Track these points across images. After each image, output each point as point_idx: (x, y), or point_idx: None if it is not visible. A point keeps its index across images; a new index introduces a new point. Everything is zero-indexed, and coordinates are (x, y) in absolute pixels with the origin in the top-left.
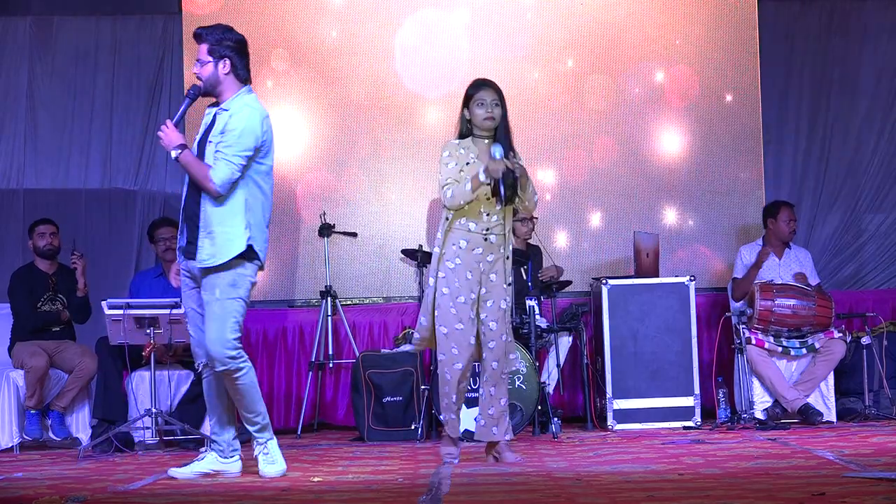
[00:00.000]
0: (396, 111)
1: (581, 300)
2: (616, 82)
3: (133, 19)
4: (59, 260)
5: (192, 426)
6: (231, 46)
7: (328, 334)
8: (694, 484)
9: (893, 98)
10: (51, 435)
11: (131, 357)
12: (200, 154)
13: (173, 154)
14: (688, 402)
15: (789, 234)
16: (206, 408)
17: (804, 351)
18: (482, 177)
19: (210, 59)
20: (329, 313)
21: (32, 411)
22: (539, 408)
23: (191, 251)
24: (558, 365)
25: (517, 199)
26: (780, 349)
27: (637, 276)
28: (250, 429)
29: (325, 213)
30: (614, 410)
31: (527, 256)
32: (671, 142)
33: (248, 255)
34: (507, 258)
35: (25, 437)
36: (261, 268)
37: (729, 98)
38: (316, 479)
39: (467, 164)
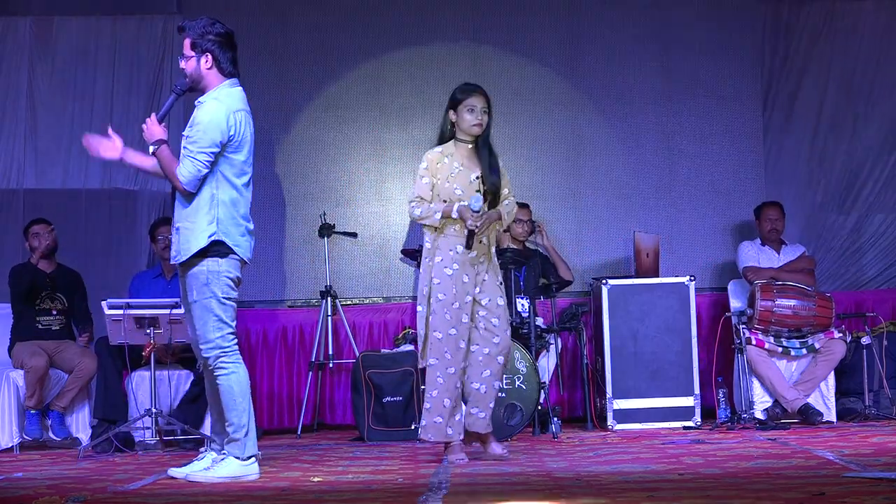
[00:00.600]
0: (397, 111)
1: (581, 300)
2: (615, 82)
3: (133, 19)
4: (57, 259)
5: (192, 426)
6: (213, 40)
7: (328, 334)
8: (694, 484)
9: (893, 98)
10: (51, 435)
11: (131, 357)
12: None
13: (151, 149)
14: (688, 402)
15: (768, 232)
16: (205, 408)
17: (804, 351)
18: (454, 215)
19: (193, 53)
20: (329, 313)
21: (32, 411)
22: (539, 408)
23: (172, 250)
24: (556, 363)
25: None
26: (780, 349)
27: (637, 276)
28: (225, 435)
29: (325, 213)
30: (614, 410)
31: (525, 257)
32: (671, 141)
33: (219, 250)
34: (493, 256)
35: (25, 437)
36: (243, 263)
37: (729, 98)
38: (316, 479)
39: (452, 174)
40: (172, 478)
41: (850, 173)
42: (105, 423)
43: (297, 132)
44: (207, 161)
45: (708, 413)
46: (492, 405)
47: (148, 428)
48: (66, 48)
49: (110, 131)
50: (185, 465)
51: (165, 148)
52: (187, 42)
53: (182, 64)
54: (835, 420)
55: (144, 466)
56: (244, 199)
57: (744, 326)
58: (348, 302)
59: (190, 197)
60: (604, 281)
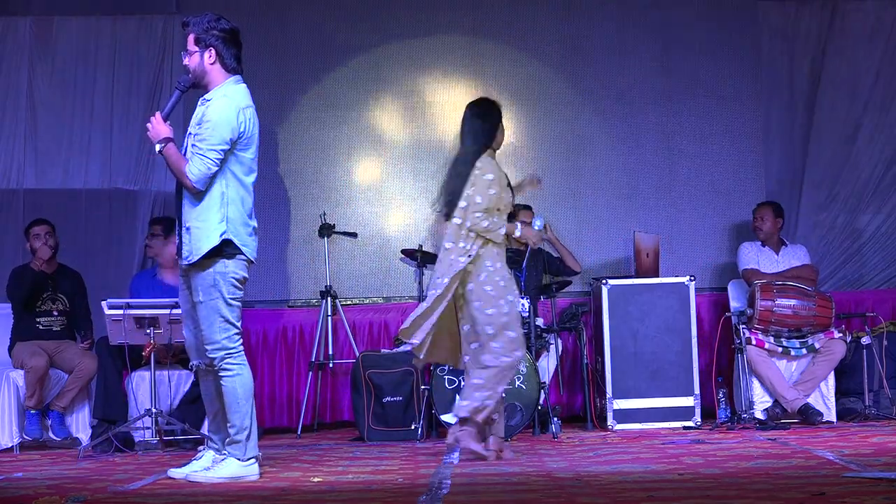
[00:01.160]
0: (397, 111)
1: (581, 300)
2: (615, 82)
3: (133, 19)
4: (58, 260)
5: (192, 426)
6: (217, 35)
7: (328, 334)
8: (694, 484)
9: (893, 98)
10: (51, 435)
11: (131, 357)
12: (186, 147)
13: (157, 147)
14: (688, 402)
15: (760, 231)
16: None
17: (804, 351)
18: (517, 234)
19: (196, 48)
20: (329, 313)
21: (32, 411)
22: (539, 408)
23: (178, 249)
24: (557, 364)
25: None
26: (780, 349)
27: (637, 276)
28: (222, 434)
29: (325, 213)
30: (614, 410)
31: (523, 256)
32: (671, 141)
33: (227, 251)
34: None
35: (25, 437)
36: (250, 262)
37: (729, 98)
38: (316, 480)
39: (503, 186)
40: (172, 478)
41: (850, 173)
42: (105, 423)
43: (298, 132)
44: (218, 159)
45: (708, 413)
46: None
47: (148, 428)
48: (66, 48)
49: (158, 116)
50: (184, 465)
51: (172, 146)
52: (191, 37)
53: (185, 60)
54: (835, 420)
55: (144, 466)
56: (252, 197)
57: (744, 326)
58: (348, 302)
59: (199, 195)
60: (604, 281)
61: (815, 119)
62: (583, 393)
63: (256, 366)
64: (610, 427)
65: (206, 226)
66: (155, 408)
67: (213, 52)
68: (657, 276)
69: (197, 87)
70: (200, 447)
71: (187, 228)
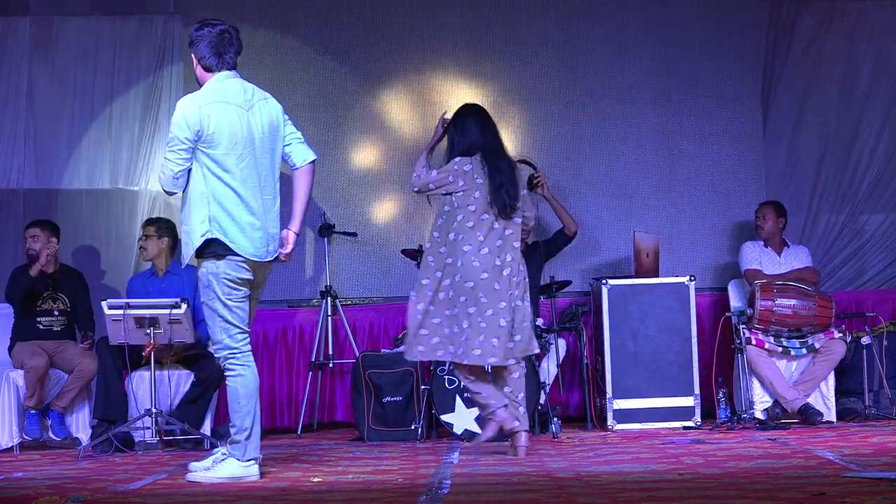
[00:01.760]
0: (397, 111)
1: (581, 300)
2: (615, 82)
3: (133, 19)
4: (60, 260)
5: (192, 426)
6: (196, 40)
7: (328, 334)
8: (694, 484)
9: (893, 98)
10: (51, 435)
11: (131, 357)
12: None
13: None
14: (688, 402)
15: (762, 230)
16: (205, 408)
17: (804, 351)
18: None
19: (193, 57)
20: (329, 313)
21: (32, 411)
22: (539, 408)
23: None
24: (558, 364)
25: None
26: (780, 349)
27: (637, 276)
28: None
29: (325, 213)
30: (614, 410)
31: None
32: (671, 141)
33: (215, 250)
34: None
35: (25, 437)
36: (248, 259)
37: (729, 98)
38: (316, 480)
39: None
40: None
41: (850, 173)
42: (105, 423)
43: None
44: (178, 158)
45: (708, 413)
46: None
47: (148, 428)
48: (66, 48)
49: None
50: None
51: None
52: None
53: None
54: (835, 420)
55: (144, 466)
56: (239, 194)
57: (744, 326)
58: (348, 302)
59: (183, 198)
60: (604, 281)
61: (815, 119)
62: (583, 393)
63: (256, 366)
64: (610, 427)
65: (191, 228)
66: (155, 408)
67: (194, 57)
68: (657, 276)
69: None
70: (215, 449)
71: (182, 232)
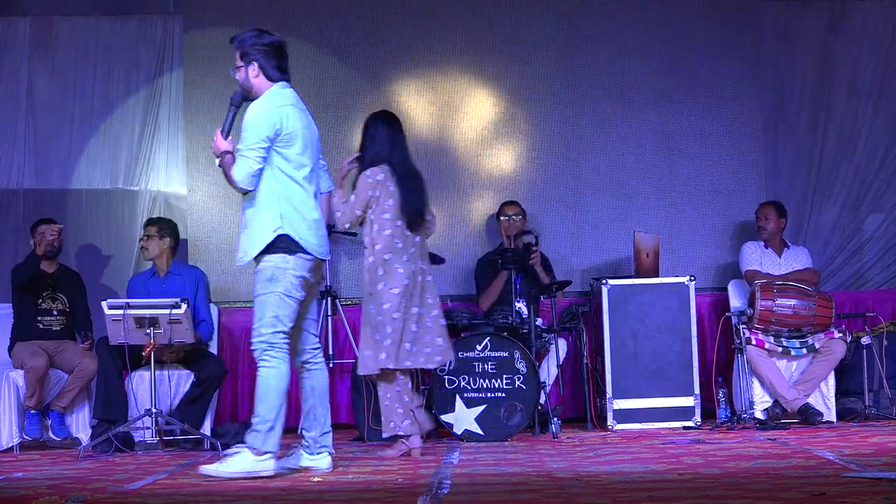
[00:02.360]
0: (396, 111)
1: (581, 300)
2: (615, 82)
3: (133, 19)
4: (59, 260)
5: (192, 426)
6: (259, 50)
7: (328, 334)
8: (694, 484)
9: (893, 98)
10: (51, 435)
11: (131, 357)
12: None
13: (216, 161)
14: (688, 402)
15: (764, 231)
16: (205, 408)
17: (804, 351)
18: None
19: (242, 63)
20: (329, 313)
21: (32, 411)
22: (539, 408)
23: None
24: (558, 365)
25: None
26: (780, 349)
27: (637, 276)
28: (314, 433)
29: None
30: (614, 410)
31: (524, 257)
32: (671, 141)
33: (286, 246)
34: None
35: (25, 437)
36: (315, 260)
37: (729, 98)
38: (316, 480)
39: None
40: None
41: (850, 173)
42: (105, 423)
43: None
44: (258, 157)
45: (708, 413)
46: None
47: (148, 428)
48: (65, 48)
49: (217, 133)
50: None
51: (229, 157)
52: (237, 54)
53: (234, 75)
54: (835, 420)
55: (144, 466)
56: (307, 193)
57: (744, 326)
58: (348, 302)
59: (251, 197)
60: (604, 281)
61: (815, 119)
62: (583, 393)
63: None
64: (610, 427)
65: (259, 225)
66: (155, 408)
67: (255, 65)
68: (657, 276)
69: (247, 99)
70: (293, 447)
71: (245, 231)
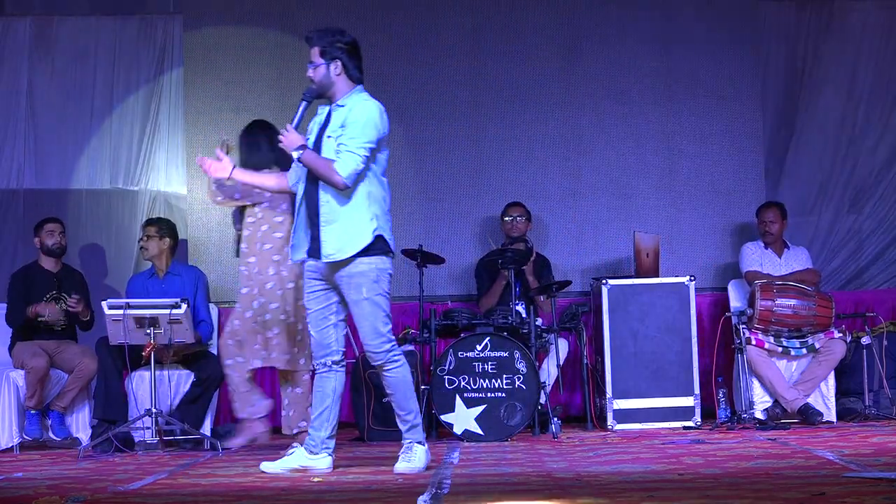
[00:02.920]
0: (396, 110)
1: (581, 300)
2: (615, 82)
3: (133, 19)
4: (63, 260)
5: (192, 426)
6: (342, 48)
7: None
8: (694, 484)
9: (892, 98)
10: (51, 435)
11: (131, 357)
12: (318, 151)
13: (295, 155)
14: (688, 402)
15: (762, 234)
16: (205, 408)
17: (804, 351)
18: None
19: (322, 61)
20: None
21: (32, 411)
22: (539, 408)
23: (315, 248)
24: (558, 365)
25: None
26: (780, 349)
27: (637, 276)
28: (400, 426)
29: None
30: (614, 410)
31: (525, 256)
32: (671, 141)
33: (383, 248)
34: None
35: (25, 437)
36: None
37: (729, 98)
38: (316, 479)
39: None
40: (264, 472)
41: (850, 173)
42: (105, 423)
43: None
44: (366, 157)
45: (708, 413)
46: None
47: (148, 428)
48: (66, 48)
49: (219, 152)
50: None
51: (309, 151)
52: (315, 50)
53: (310, 72)
54: (835, 420)
55: (144, 466)
56: (388, 196)
57: (744, 326)
58: None
59: (347, 193)
60: (604, 281)
61: (815, 119)
62: (583, 393)
63: None
64: (610, 427)
65: (356, 224)
66: (155, 408)
67: (338, 63)
68: (657, 276)
69: (321, 97)
70: (293, 445)
71: (333, 227)
